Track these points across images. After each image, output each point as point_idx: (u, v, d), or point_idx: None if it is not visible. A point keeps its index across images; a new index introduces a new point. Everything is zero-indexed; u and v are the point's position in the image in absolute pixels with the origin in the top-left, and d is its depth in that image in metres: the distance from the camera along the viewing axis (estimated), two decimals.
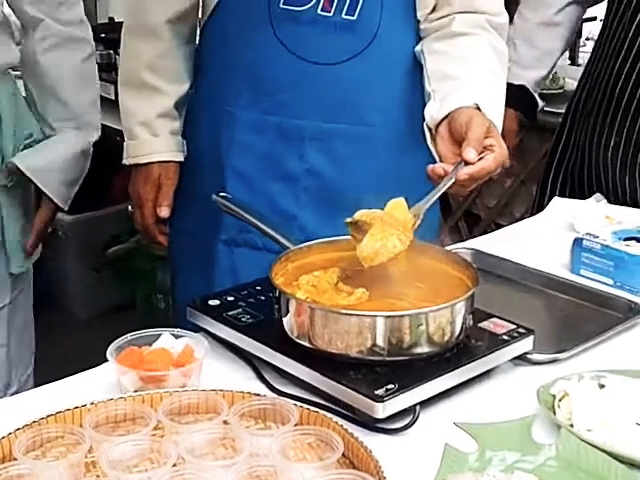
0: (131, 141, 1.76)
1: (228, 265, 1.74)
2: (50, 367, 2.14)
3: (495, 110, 1.53)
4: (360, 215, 1.36)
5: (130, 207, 1.79)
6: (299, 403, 1.18)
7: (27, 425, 1.11)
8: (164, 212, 1.75)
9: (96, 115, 2.03)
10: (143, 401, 1.18)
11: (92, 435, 1.09)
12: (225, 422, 1.13)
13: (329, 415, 1.15)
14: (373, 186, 1.68)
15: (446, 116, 1.49)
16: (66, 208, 1.99)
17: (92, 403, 1.15)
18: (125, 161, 1.78)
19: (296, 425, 1.13)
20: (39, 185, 1.89)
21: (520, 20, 2.26)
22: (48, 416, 1.13)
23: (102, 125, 2.76)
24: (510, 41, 2.23)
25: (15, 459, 1.05)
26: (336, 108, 1.66)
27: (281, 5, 1.62)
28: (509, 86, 2.19)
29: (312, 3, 1.61)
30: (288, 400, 1.18)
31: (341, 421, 1.15)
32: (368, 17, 1.62)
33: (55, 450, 1.11)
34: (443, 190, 1.38)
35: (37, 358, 2.09)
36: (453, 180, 1.37)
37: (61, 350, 2.21)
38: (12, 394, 1.99)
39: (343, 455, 1.09)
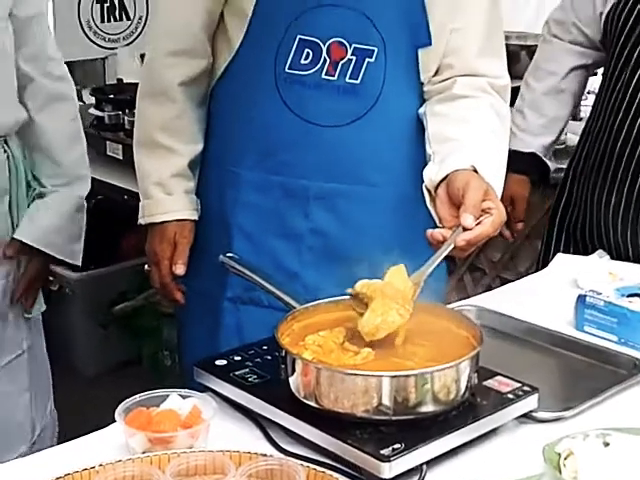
0: (146, 200, 1.76)
1: (234, 323, 1.73)
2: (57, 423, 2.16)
3: (493, 172, 1.53)
4: (361, 287, 1.36)
5: (146, 266, 1.78)
6: (306, 463, 1.17)
7: None
8: (180, 270, 1.74)
9: (85, 169, 2.06)
10: (151, 462, 1.16)
11: None
12: None
13: (335, 475, 1.15)
14: (377, 245, 1.67)
15: (444, 178, 1.49)
16: (78, 263, 2.06)
17: (100, 465, 1.15)
18: (141, 220, 1.78)
19: None
20: (49, 252, 1.96)
21: (526, 89, 2.27)
22: (57, 479, 1.12)
23: (109, 184, 2.81)
24: (518, 110, 2.26)
25: None
26: (340, 169, 1.67)
27: (286, 69, 1.64)
28: (520, 154, 2.22)
29: (317, 68, 1.63)
30: (295, 460, 1.17)
31: None
32: (371, 81, 1.64)
33: None
34: (443, 256, 1.38)
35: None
36: (452, 246, 1.37)
37: (67, 407, 2.20)
38: (38, 434, 2.03)
39: None
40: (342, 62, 1.64)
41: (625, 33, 2.03)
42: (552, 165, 2.29)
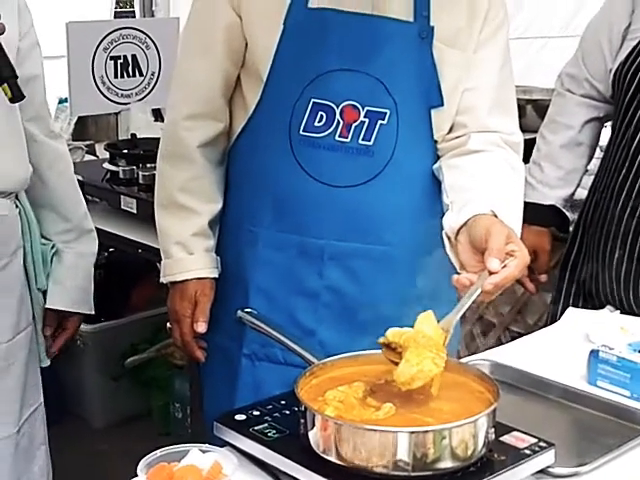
0: (167, 260, 1.77)
1: (250, 380, 1.73)
2: (66, 476, 2.14)
3: (512, 216, 1.53)
4: (392, 335, 1.37)
5: (168, 324, 1.79)
6: None
7: None
8: (201, 328, 1.73)
9: (90, 223, 2.07)
10: None
11: None
12: None
13: None
14: (392, 303, 1.67)
15: (464, 224, 1.50)
16: (92, 312, 2.08)
17: None
18: (162, 279, 1.79)
19: None
20: (79, 312, 2.02)
21: (543, 142, 2.29)
22: None
23: (123, 237, 2.82)
24: (535, 162, 2.27)
25: None
26: (354, 228, 1.69)
27: (301, 132, 1.66)
28: (540, 206, 2.22)
29: (330, 130, 1.66)
30: None
31: None
32: (384, 142, 1.66)
33: None
34: (472, 301, 1.38)
35: (53, 466, 2.07)
36: (479, 291, 1.38)
37: (76, 459, 2.19)
38: None
39: None
40: (355, 124, 1.66)
41: (631, 91, 2.05)
42: (571, 216, 2.30)
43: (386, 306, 1.67)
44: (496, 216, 1.49)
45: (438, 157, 1.72)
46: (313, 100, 1.65)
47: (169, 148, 1.78)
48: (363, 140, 1.66)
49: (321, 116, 1.66)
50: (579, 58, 2.24)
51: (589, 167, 2.35)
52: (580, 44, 2.25)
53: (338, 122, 1.65)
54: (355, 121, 1.65)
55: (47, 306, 1.97)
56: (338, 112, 1.65)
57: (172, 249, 1.76)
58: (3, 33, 1.64)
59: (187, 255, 1.74)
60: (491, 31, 1.71)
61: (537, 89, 3.77)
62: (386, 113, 1.65)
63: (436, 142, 1.71)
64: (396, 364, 1.35)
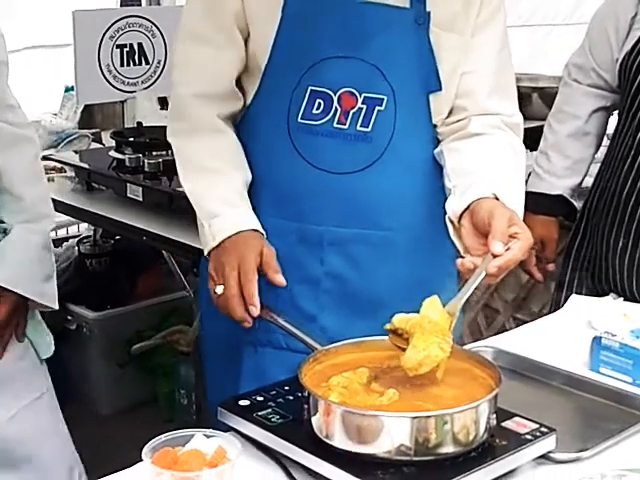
0: (215, 219, 1.62)
1: (253, 365, 1.72)
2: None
3: (515, 199, 1.54)
4: (399, 322, 1.37)
5: (217, 289, 1.57)
6: None
7: None
8: (281, 279, 1.56)
9: (49, 209, 2.04)
10: None
11: None
12: None
13: None
14: (392, 288, 1.70)
15: (467, 208, 1.51)
16: (54, 306, 1.98)
17: None
18: (212, 243, 1.60)
19: None
20: (21, 293, 1.91)
21: (550, 132, 2.29)
22: None
23: (129, 225, 2.83)
24: (542, 152, 2.28)
25: None
26: (354, 214, 1.68)
27: (299, 119, 1.66)
28: (547, 196, 2.23)
29: (328, 117, 1.65)
30: None
31: None
32: (382, 127, 1.66)
33: None
34: (476, 284, 1.39)
35: None
36: (484, 274, 1.39)
37: (83, 445, 2.19)
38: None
39: None
40: (353, 111, 1.65)
41: (637, 81, 2.05)
42: (578, 205, 2.30)
43: (386, 291, 1.70)
44: (498, 199, 1.50)
45: (438, 141, 1.72)
46: (311, 88, 1.65)
47: (189, 124, 1.72)
48: (361, 126, 1.65)
49: (319, 103, 1.65)
50: (586, 48, 2.24)
51: (596, 155, 2.35)
52: (587, 34, 2.25)
53: (336, 109, 1.65)
54: (353, 108, 1.65)
55: None
56: (336, 99, 1.65)
57: (218, 208, 1.62)
58: None
59: (237, 209, 1.63)
60: (488, 14, 1.70)
61: (543, 77, 3.77)
62: (383, 99, 1.65)
63: (435, 127, 1.71)
64: (403, 350, 1.35)
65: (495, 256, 1.39)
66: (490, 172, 1.59)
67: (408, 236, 1.71)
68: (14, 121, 1.97)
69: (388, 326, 1.39)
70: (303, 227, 1.69)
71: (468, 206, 1.51)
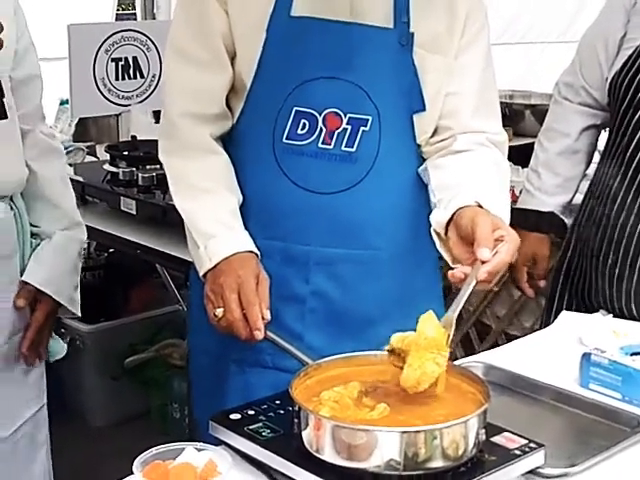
0: (211, 240, 1.61)
1: (240, 383, 1.71)
2: (65, 475, 2.15)
3: (498, 205, 1.54)
4: (396, 341, 1.37)
5: (217, 311, 1.55)
6: None
7: None
8: (266, 311, 1.54)
9: (80, 217, 2.08)
10: None
11: None
12: None
13: None
14: (378, 306, 1.70)
15: (451, 218, 1.51)
16: (78, 313, 2.03)
17: None
18: (207, 265, 1.59)
19: None
20: (55, 297, 1.94)
21: (540, 149, 2.29)
22: None
23: (122, 238, 2.84)
24: (533, 169, 2.29)
25: None
26: (339, 234, 1.68)
27: (284, 140, 1.65)
28: (539, 213, 2.23)
29: (313, 137, 1.65)
30: None
31: None
32: (367, 148, 1.65)
33: None
34: (468, 293, 1.39)
35: (53, 465, 2.08)
36: (475, 282, 1.39)
37: (75, 458, 2.19)
38: None
39: None
40: (338, 131, 1.65)
41: (627, 100, 2.06)
42: (568, 222, 2.30)
43: (373, 309, 1.70)
44: (481, 206, 1.50)
45: (422, 160, 1.73)
46: (295, 108, 1.65)
47: (180, 144, 1.71)
48: (346, 147, 1.65)
49: (304, 124, 1.65)
50: (576, 66, 2.24)
51: (588, 171, 2.35)
52: (577, 53, 2.26)
53: (321, 129, 1.65)
54: (338, 128, 1.65)
55: (22, 279, 1.91)
56: (321, 120, 1.65)
57: (214, 229, 1.61)
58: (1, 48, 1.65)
59: (231, 231, 1.63)
60: (472, 35, 1.70)
61: (536, 94, 3.79)
62: (368, 120, 1.65)
63: (419, 146, 1.71)
64: (401, 369, 1.36)
65: (483, 262, 1.39)
66: (472, 183, 1.59)
67: (393, 254, 1.71)
68: (47, 132, 2.02)
69: (386, 347, 1.39)
70: (289, 247, 1.68)
71: (452, 216, 1.51)
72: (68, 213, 2.04)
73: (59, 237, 1.99)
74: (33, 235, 1.98)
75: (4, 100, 1.72)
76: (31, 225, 1.98)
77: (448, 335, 1.37)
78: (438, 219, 1.55)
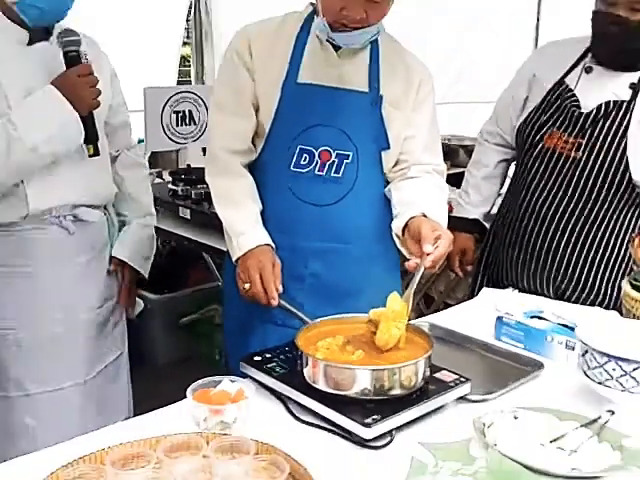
0: (241, 237, 1.60)
1: (259, 336, 1.69)
2: (140, 398, 2.12)
3: (438, 215, 1.54)
4: (372, 314, 1.37)
5: (246, 285, 1.56)
6: (256, 439, 1.10)
7: (63, 466, 1.04)
8: (279, 286, 1.55)
9: (154, 211, 2.07)
10: (145, 444, 1.12)
11: (110, 471, 1.04)
12: (204, 456, 1.08)
13: (277, 445, 1.10)
14: (355, 284, 1.69)
15: (405, 225, 1.52)
16: (146, 275, 2.02)
17: (109, 447, 1.10)
18: (238, 253, 1.59)
19: (255, 454, 1.08)
20: (136, 267, 1.95)
21: (469, 176, 2.27)
22: (79, 459, 1.07)
23: (178, 235, 2.83)
24: (464, 190, 2.27)
25: None
26: (329, 233, 1.66)
27: (291, 168, 1.64)
28: (467, 219, 2.22)
29: (311, 167, 1.64)
30: (246, 437, 1.11)
31: (285, 449, 1.09)
32: (348, 174, 1.64)
33: None
34: (419, 277, 1.40)
35: (132, 391, 2.08)
36: (423, 269, 1.40)
37: (146, 387, 2.18)
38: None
39: (289, 474, 1.03)
40: (328, 163, 1.64)
41: (527, 143, 2.05)
42: (487, 226, 2.28)
43: (351, 286, 1.68)
44: (425, 216, 1.51)
45: (387, 183, 1.71)
46: (300, 146, 1.63)
47: (220, 170, 1.69)
48: (334, 173, 1.64)
49: (305, 157, 1.64)
50: (494, 119, 2.24)
51: (502, 191, 2.35)
52: (494, 109, 2.25)
53: (317, 161, 1.64)
54: (328, 160, 1.63)
55: (112, 254, 1.92)
56: (317, 154, 1.63)
57: (243, 227, 1.61)
58: (97, 107, 1.66)
59: (255, 230, 1.62)
60: (423, 96, 1.69)
61: (467, 138, 3.78)
62: (350, 155, 1.64)
63: (385, 174, 1.70)
64: (374, 333, 1.36)
65: (428, 254, 1.40)
66: (421, 201, 1.58)
67: (366, 248, 1.69)
68: (135, 153, 2.03)
69: (367, 317, 1.38)
70: (294, 242, 1.66)
71: (406, 223, 1.52)
72: (145, 206, 2.03)
73: (137, 224, 1.99)
74: (120, 221, 1.98)
75: (98, 143, 1.73)
76: (118, 214, 1.98)
77: (407, 307, 1.37)
78: (397, 225, 1.56)
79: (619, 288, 1.92)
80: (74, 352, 1.83)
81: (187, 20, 3.59)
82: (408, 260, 1.46)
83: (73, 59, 1.63)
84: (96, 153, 1.70)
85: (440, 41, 4.11)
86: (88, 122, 1.66)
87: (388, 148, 1.67)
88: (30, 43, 1.67)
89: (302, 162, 1.65)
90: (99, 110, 1.70)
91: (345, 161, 1.64)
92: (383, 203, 1.70)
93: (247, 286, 1.55)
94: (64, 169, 1.71)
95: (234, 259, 1.62)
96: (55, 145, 1.62)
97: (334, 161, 1.64)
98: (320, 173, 1.64)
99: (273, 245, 1.62)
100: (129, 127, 2.02)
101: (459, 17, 4.22)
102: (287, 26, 1.66)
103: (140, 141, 3.48)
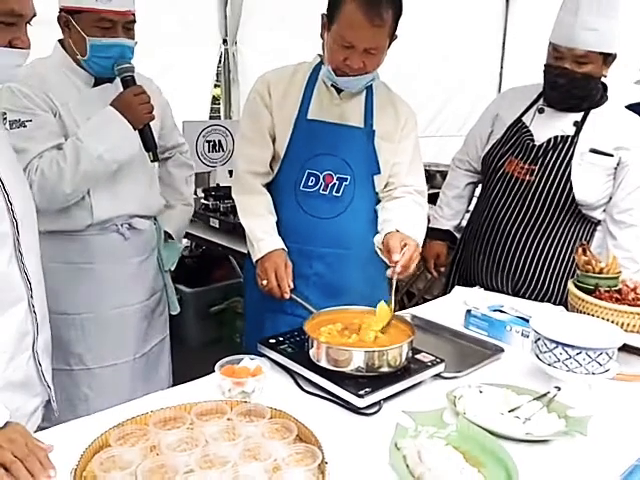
0: (261, 242, 1.60)
1: (272, 323, 1.68)
2: (178, 374, 2.09)
3: (410, 229, 1.55)
4: (358, 318, 1.39)
5: (264, 281, 1.57)
6: (270, 406, 1.11)
7: (114, 426, 1.05)
8: (290, 282, 1.56)
9: (192, 201, 2.06)
10: (181, 409, 1.12)
11: (152, 430, 1.05)
12: (229, 419, 1.09)
13: (288, 411, 1.10)
14: (351, 281, 1.68)
15: (383, 239, 1.54)
16: (182, 245, 2.02)
17: (152, 411, 1.10)
18: (258, 255, 1.59)
19: (270, 418, 1.09)
20: (175, 238, 1.96)
21: (443, 195, 2.26)
22: (127, 420, 1.08)
23: (207, 240, 2.82)
24: (439, 206, 2.26)
25: (109, 445, 1.01)
26: (330, 240, 1.66)
27: (300, 188, 1.64)
28: (441, 230, 2.19)
29: (317, 187, 1.64)
30: (263, 404, 1.12)
31: (294, 414, 1.09)
32: (347, 194, 1.65)
33: (131, 440, 1.05)
34: (395, 281, 1.42)
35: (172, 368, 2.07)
36: (396, 275, 1.42)
37: (182, 364, 2.18)
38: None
39: (297, 436, 1.05)
40: (331, 184, 1.64)
41: (490, 169, 2.04)
42: (458, 236, 2.27)
43: (347, 283, 1.68)
44: (399, 231, 1.52)
45: (378, 200, 1.72)
46: (308, 171, 1.63)
47: (244, 188, 1.69)
48: (335, 193, 1.64)
49: (312, 179, 1.64)
50: (464, 149, 2.22)
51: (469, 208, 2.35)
52: (464, 141, 2.24)
53: (321, 183, 1.64)
54: (331, 182, 1.64)
55: (165, 229, 1.93)
56: (322, 177, 1.63)
57: (262, 234, 1.61)
58: (152, 120, 1.66)
59: (271, 237, 1.62)
60: (408, 131, 1.70)
61: (442, 164, 3.77)
62: (348, 178, 1.64)
63: (377, 193, 1.70)
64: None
65: (396, 262, 1.43)
66: (397, 219, 1.59)
67: (361, 253, 1.68)
68: (187, 157, 2.03)
69: (360, 309, 1.41)
70: (302, 248, 1.66)
71: (383, 239, 1.54)
72: (185, 196, 2.02)
73: (179, 208, 1.99)
74: (165, 205, 1.96)
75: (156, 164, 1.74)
76: (165, 204, 1.96)
77: (391, 309, 1.38)
78: (377, 240, 1.59)
79: (565, 287, 1.93)
80: (126, 335, 1.83)
81: (218, 67, 3.60)
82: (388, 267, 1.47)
83: (128, 82, 1.62)
84: (156, 158, 1.68)
85: (421, 87, 4.14)
86: (145, 133, 1.63)
87: (379, 173, 1.67)
88: (95, 85, 1.67)
89: (309, 183, 1.65)
90: (155, 122, 1.68)
91: (344, 183, 1.64)
92: (375, 217, 1.71)
93: (265, 282, 1.56)
94: (122, 186, 1.71)
95: (254, 260, 1.62)
96: (116, 154, 1.60)
97: (335, 183, 1.64)
98: (324, 192, 1.65)
99: (286, 249, 1.61)
100: (184, 143, 2.03)
101: (436, 68, 4.23)
102: (299, 73, 1.67)
103: None
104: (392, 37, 1.51)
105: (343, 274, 1.68)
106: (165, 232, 1.94)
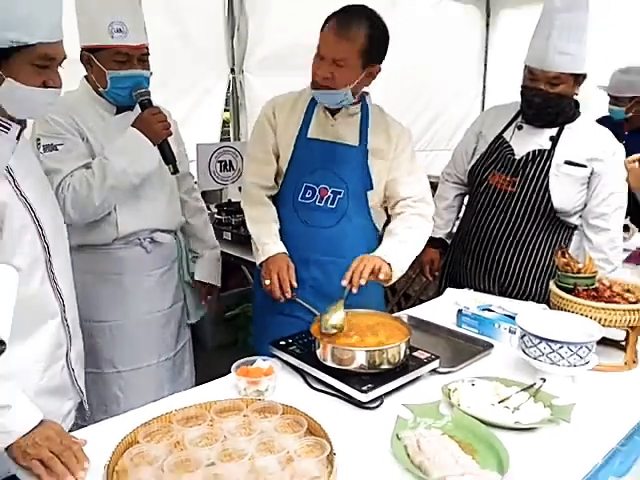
0: (265, 246, 1.61)
1: (275, 324, 1.67)
2: (198, 373, 2.07)
3: (393, 254, 1.52)
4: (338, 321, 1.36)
5: (266, 282, 1.56)
6: (282, 403, 1.11)
7: (142, 424, 1.05)
8: (293, 282, 1.56)
9: (216, 243, 2.03)
10: (201, 407, 1.12)
11: (176, 427, 1.06)
12: (245, 415, 1.10)
13: (298, 407, 1.10)
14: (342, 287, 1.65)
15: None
16: (219, 285, 1.99)
17: (175, 410, 1.10)
18: (262, 258, 1.60)
19: (282, 414, 1.09)
20: (213, 283, 1.95)
21: (435, 207, 2.26)
22: (153, 419, 1.08)
23: (222, 251, 2.79)
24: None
25: (138, 442, 1.01)
26: (326, 248, 1.65)
27: (299, 200, 1.64)
28: (434, 238, 2.16)
29: (313, 199, 1.63)
30: (275, 401, 1.13)
31: (304, 410, 1.09)
32: (341, 206, 1.63)
33: (157, 437, 1.06)
34: (346, 294, 1.42)
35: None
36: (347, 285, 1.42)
37: (202, 363, 2.18)
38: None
39: (308, 429, 1.05)
40: (326, 197, 1.63)
41: (476, 181, 2.04)
42: (449, 242, 2.25)
43: (340, 287, 1.64)
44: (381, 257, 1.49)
45: (369, 214, 1.68)
46: (305, 184, 1.63)
47: (251, 199, 1.70)
48: (330, 204, 1.63)
49: (309, 192, 1.64)
50: (451, 164, 2.22)
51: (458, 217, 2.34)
52: (452, 156, 2.24)
53: (317, 195, 1.63)
54: (326, 195, 1.63)
55: (195, 279, 1.92)
56: (318, 190, 1.63)
57: (267, 240, 1.61)
58: (170, 135, 1.64)
59: (274, 242, 1.61)
60: (402, 147, 1.68)
61: (433, 176, 3.76)
62: (342, 191, 1.63)
63: (369, 207, 1.68)
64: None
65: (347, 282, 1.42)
66: (383, 246, 1.57)
67: (352, 260, 1.64)
68: (196, 198, 1.98)
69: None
70: (299, 254, 1.64)
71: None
72: (209, 242, 1.99)
73: (207, 255, 1.97)
74: (191, 252, 1.95)
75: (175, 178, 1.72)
76: (190, 251, 1.95)
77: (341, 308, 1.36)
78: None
79: (547, 287, 1.92)
80: (152, 340, 1.83)
81: (227, 93, 3.62)
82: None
83: (146, 105, 1.62)
84: (176, 171, 1.66)
85: (412, 105, 4.16)
86: (165, 148, 1.62)
87: (372, 189, 1.66)
88: (117, 112, 1.69)
89: (307, 195, 1.64)
90: (170, 140, 1.68)
91: (338, 196, 1.64)
92: (367, 228, 1.70)
93: (267, 282, 1.55)
94: (144, 203, 1.72)
95: (258, 263, 1.62)
96: (139, 168, 1.60)
97: (330, 195, 1.64)
98: (320, 204, 1.64)
99: (288, 254, 1.61)
100: (190, 175, 2.00)
101: (425, 89, 4.26)
102: (302, 98, 1.68)
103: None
104: (366, 59, 1.48)
105: (335, 279, 1.63)
106: (195, 281, 1.93)
